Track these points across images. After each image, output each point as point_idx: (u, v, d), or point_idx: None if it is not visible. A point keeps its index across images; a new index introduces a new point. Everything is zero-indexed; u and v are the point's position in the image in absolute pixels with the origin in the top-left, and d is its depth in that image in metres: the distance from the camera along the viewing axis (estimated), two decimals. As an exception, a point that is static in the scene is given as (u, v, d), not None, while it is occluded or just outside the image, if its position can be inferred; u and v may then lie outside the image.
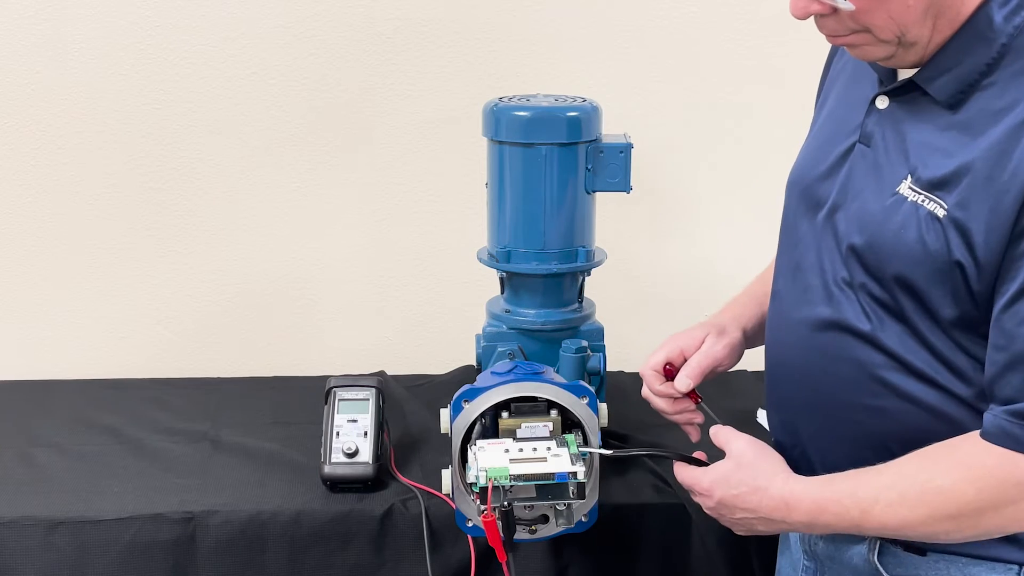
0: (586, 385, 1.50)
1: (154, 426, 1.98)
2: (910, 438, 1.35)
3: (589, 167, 1.81)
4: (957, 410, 1.33)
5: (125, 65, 2.24)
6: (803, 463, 1.46)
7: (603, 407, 1.52)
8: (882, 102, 1.39)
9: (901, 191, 1.33)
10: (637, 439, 1.88)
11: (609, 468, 1.75)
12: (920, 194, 1.31)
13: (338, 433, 1.76)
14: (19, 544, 1.66)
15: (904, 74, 1.37)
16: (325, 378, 1.86)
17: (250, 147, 2.30)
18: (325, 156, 2.32)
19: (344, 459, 1.74)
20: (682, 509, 1.71)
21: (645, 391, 1.62)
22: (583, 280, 1.89)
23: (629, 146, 1.82)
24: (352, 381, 1.85)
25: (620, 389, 2.08)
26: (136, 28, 2.23)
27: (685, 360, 1.60)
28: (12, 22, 2.21)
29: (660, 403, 1.61)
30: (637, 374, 2.15)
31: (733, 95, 2.35)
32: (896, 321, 1.35)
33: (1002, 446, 1.26)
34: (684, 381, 1.58)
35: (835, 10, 1.30)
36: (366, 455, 1.74)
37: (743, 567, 1.74)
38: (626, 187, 1.83)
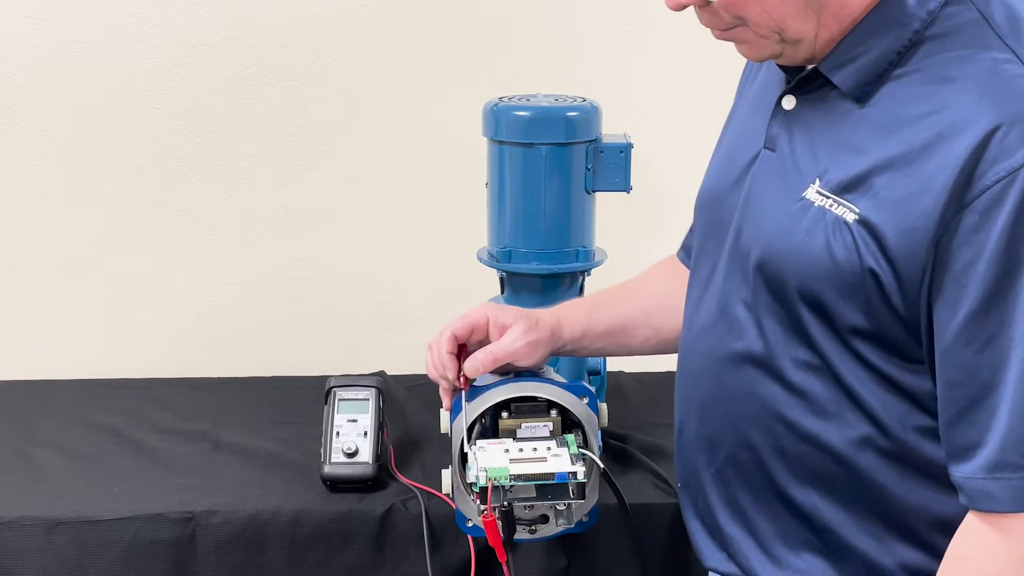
0: (586, 385, 1.50)
1: (154, 426, 1.98)
2: (813, 485, 1.28)
3: (589, 167, 1.80)
4: (858, 454, 1.25)
5: (125, 65, 2.24)
6: (706, 512, 1.41)
7: (603, 407, 1.52)
8: (788, 102, 1.29)
9: (808, 196, 1.23)
10: (637, 439, 1.88)
11: (610, 468, 1.75)
12: (828, 198, 1.21)
13: (338, 433, 1.76)
14: (19, 544, 1.66)
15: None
16: (325, 378, 1.86)
17: (250, 147, 2.30)
18: (325, 156, 2.32)
19: (344, 459, 1.74)
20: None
21: (435, 359, 1.49)
22: (583, 280, 1.89)
23: (629, 146, 1.82)
24: (352, 381, 1.85)
25: (620, 389, 2.08)
26: (136, 28, 2.23)
27: (472, 333, 1.48)
28: (12, 21, 2.21)
29: (436, 361, 1.49)
30: (637, 374, 2.16)
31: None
32: (800, 344, 1.26)
33: (1003, 511, 1.14)
34: (474, 367, 1.46)
35: (708, 1, 1.24)
36: (366, 455, 1.74)
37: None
38: (626, 187, 1.83)
